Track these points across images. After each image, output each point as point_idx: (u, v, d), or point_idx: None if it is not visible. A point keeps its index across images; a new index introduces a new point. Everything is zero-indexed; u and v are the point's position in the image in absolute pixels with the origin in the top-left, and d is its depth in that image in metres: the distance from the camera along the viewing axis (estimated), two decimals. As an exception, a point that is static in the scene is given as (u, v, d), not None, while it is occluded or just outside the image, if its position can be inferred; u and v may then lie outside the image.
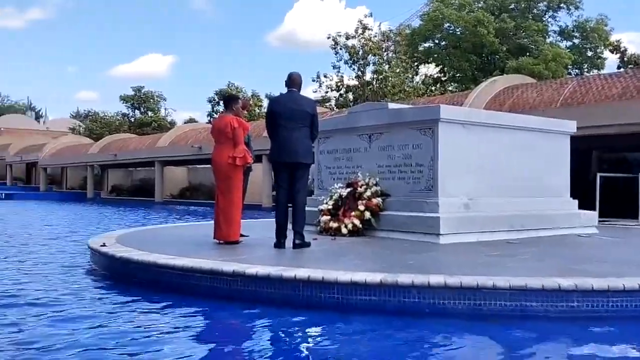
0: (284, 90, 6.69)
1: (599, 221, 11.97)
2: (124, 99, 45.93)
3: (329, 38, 28.55)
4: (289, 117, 6.47)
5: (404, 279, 4.68)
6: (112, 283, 6.01)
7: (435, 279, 4.63)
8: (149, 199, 31.05)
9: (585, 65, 42.77)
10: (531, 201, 8.22)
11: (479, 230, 7.45)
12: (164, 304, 5.05)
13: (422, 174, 7.53)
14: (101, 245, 6.77)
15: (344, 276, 4.80)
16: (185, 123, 54.01)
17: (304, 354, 3.91)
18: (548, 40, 41.39)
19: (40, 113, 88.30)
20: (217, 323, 4.83)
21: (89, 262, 7.20)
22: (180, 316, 4.76)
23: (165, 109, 49.38)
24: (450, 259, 5.93)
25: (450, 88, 43.50)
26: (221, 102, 38.56)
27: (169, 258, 5.71)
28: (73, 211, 22.79)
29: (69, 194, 39.36)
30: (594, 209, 12.13)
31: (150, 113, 46.08)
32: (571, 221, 8.60)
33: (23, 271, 6.92)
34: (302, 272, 4.94)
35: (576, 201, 8.99)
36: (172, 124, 47.43)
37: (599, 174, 11.96)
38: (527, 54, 39.96)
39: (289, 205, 6.61)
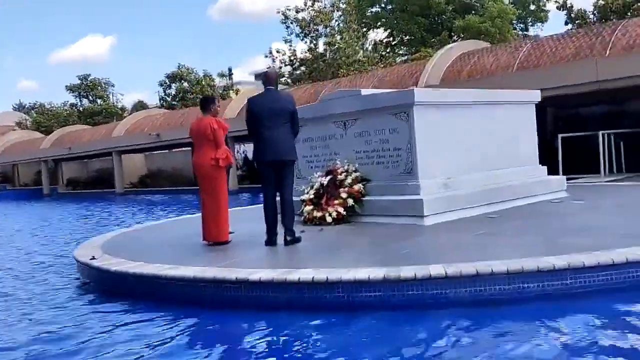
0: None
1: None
2: (71, 88, 44.59)
3: (278, 13, 28.29)
4: (270, 116, 6.52)
5: (406, 273, 4.85)
6: (109, 297, 6.00)
7: (436, 270, 4.82)
8: (109, 190, 30.54)
9: (530, 19, 43.61)
10: (505, 173, 8.51)
11: (459, 208, 7.68)
12: (167, 315, 5.12)
13: (401, 158, 7.69)
14: (91, 259, 6.73)
15: (347, 274, 4.95)
16: (134, 106, 53.06)
17: (316, 356, 4.06)
18: (492, -4, 41.92)
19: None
20: (223, 332, 4.91)
21: (77, 277, 7.13)
22: (187, 327, 4.85)
23: (114, 95, 48.22)
24: (441, 243, 6.14)
25: (400, 52, 43.82)
26: (172, 85, 38.14)
27: (169, 268, 5.73)
28: (35, 213, 22.29)
29: (24, 191, 38.31)
30: (557, 168, 12.63)
31: (99, 101, 44.92)
32: (543, 188, 8.94)
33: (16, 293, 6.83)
34: (305, 274, 5.05)
35: (545, 168, 9.34)
36: (123, 109, 46.43)
37: (559, 135, 12.37)
38: (473, 12, 40.46)
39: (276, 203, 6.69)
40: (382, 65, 29.49)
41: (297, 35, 28.16)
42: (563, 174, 12.79)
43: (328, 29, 27.94)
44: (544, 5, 41.79)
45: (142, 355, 4.23)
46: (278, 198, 6.72)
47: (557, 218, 7.18)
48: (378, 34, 43.83)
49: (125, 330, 4.86)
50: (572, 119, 17.31)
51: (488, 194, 8.12)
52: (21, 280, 7.56)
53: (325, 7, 28.40)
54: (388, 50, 41.91)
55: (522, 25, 44.39)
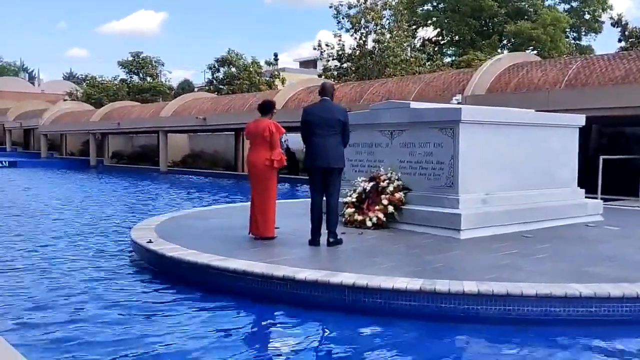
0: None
1: (602, 200, 12.62)
2: (122, 64, 45.74)
3: (331, 7, 28.57)
4: (322, 125, 6.96)
5: (441, 286, 5.25)
6: (163, 281, 6.53)
7: (469, 287, 5.20)
8: (153, 167, 31.46)
9: (583, 29, 42.97)
10: (542, 193, 8.78)
11: (495, 224, 8.01)
12: (218, 305, 5.63)
13: (443, 171, 8.04)
14: (148, 242, 7.28)
15: (387, 283, 5.37)
16: (179, 85, 54.03)
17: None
18: (546, 3, 41.45)
19: (34, 74, 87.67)
20: (265, 325, 5.37)
21: (132, 256, 7.70)
22: (233, 318, 5.35)
23: (160, 72, 49.29)
24: (474, 260, 6.48)
25: (448, 52, 43.71)
26: (221, 69, 38.82)
27: (221, 260, 6.23)
28: (86, 184, 23.22)
29: (71, 161, 39.64)
30: (596, 188, 12.73)
31: (149, 79, 45.99)
32: (579, 211, 9.18)
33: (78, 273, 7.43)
34: (347, 279, 5.49)
35: (583, 190, 9.55)
36: (171, 89, 47.42)
37: (601, 157, 12.48)
38: (525, 17, 40.08)
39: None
40: (429, 66, 29.59)
41: (347, 31, 28.44)
42: (603, 195, 12.95)
43: (378, 26, 28.11)
44: (599, 16, 41.10)
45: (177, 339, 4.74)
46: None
47: (588, 244, 7.43)
48: (427, 32, 43.92)
49: (172, 313, 5.39)
50: (618, 138, 17.28)
51: (524, 213, 8.41)
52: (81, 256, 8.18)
53: (377, 5, 28.55)
54: (436, 50, 41.93)
55: (575, 34, 43.80)
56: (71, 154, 43.77)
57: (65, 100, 49.40)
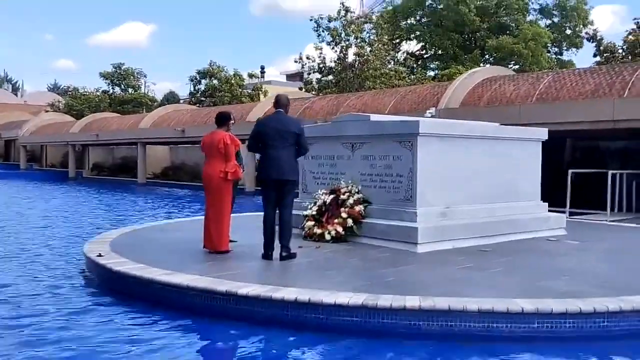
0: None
1: (571, 213, 12.63)
2: (104, 75, 45.47)
3: (311, 20, 28.63)
4: (275, 136, 6.86)
5: (383, 301, 5.14)
6: (110, 296, 6.38)
7: (411, 302, 5.10)
8: (132, 179, 31.19)
9: (564, 44, 43.39)
10: (503, 207, 8.73)
11: (454, 238, 7.94)
12: (158, 318, 5.49)
13: (402, 184, 7.97)
14: (97, 256, 7.12)
15: (329, 298, 5.26)
16: (165, 96, 53.92)
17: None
18: (528, 19, 41.85)
19: (17, 85, 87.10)
20: (204, 339, 5.24)
21: (83, 270, 7.54)
22: (171, 331, 5.22)
23: (146, 84, 49.12)
24: (426, 274, 6.39)
25: (431, 66, 43.94)
26: (202, 81, 38.72)
27: (166, 274, 6.09)
28: (58, 196, 22.94)
29: (51, 172, 39.26)
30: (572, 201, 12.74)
31: (130, 90, 45.79)
32: (541, 225, 9.14)
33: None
34: (289, 294, 5.37)
35: (546, 204, 9.52)
36: (153, 100, 47.21)
37: (570, 171, 12.50)
38: (507, 32, 40.42)
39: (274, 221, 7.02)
40: (409, 80, 29.67)
41: (328, 44, 28.50)
42: (572, 208, 12.96)
43: (358, 39, 28.18)
44: (580, 32, 41.52)
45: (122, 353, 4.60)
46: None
47: (545, 258, 7.38)
48: (411, 46, 44.13)
49: (113, 328, 5.24)
50: (591, 152, 17.35)
51: (485, 226, 8.35)
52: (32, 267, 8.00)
53: (358, 18, 28.65)
54: (419, 63, 42.10)
55: (556, 49, 44.23)
56: (52, 165, 43.36)
57: (47, 111, 49.02)
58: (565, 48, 43.65)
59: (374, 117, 8.59)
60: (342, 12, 28.20)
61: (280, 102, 7.06)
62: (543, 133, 9.45)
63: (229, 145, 7.29)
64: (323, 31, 28.39)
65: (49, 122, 42.23)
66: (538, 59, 37.81)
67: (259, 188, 7.46)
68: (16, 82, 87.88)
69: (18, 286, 6.85)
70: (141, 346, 4.83)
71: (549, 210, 9.79)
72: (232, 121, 7.83)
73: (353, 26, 27.55)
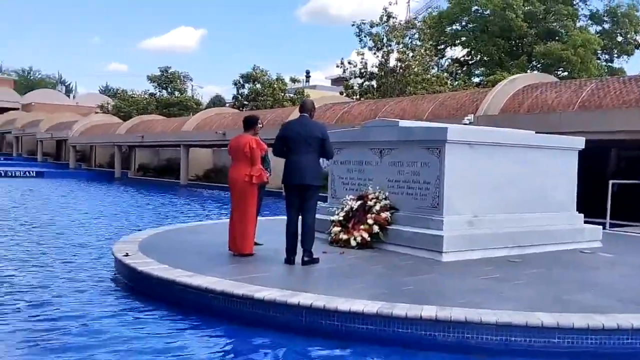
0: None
1: (612, 225, 12.23)
2: (151, 78, 46.54)
3: (353, 25, 28.62)
4: (299, 141, 6.86)
5: (399, 310, 5.07)
6: (133, 295, 6.48)
7: (427, 312, 5.01)
8: (175, 180, 31.75)
9: (615, 51, 42.18)
10: (535, 217, 8.50)
11: (482, 248, 7.78)
12: (175, 321, 5.55)
13: (429, 191, 7.86)
14: (124, 255, 7.26)
15: (344, 305, 5.21)
16: (211, 99, 54.86)
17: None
18: (578, 25, 40.84)
19: (70, 87, 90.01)
20: (217, 345, 5.22)
21: (114, 271, 7.68)
22: (192, 334, 5.26)
23: (192, 87, 50.05)
24: (448, 284, 6.28)
25: (476, 72, 43.32)
26: (246, 85, 39.15)
27: (187, 276, 6.15)
28: (101, 195, 23.52)
29: (98, 172, 40.32)
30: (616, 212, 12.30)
31: (176, 93, 46.69)
32: (575, 236, 8.87)
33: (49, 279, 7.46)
34: (305, 299, 5.35)
35: (581, 215, 9.23)
36: (198, 103, 48.01)
37: (611, 182, 12.10)
38: (556, 38, 39.53)
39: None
40: (450, 86, 29.31)
41: (370, 49, 28.41)
42: (614, 220, 12.53)
43: (401, 45, 28.02)
44: (632, 38, 40.29)
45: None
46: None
47: (575, 270, 7.17)
48: (456, 52, 43.60)
49: (133, 328, 5.32)
50: (638, 162, 16.77)
51: (515, 236, 8.16)
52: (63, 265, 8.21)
53: (400, 23, 28.48)
54: (464, 69, 41.54)
55: (607, 57, 43.04)
56: (100, 165, 44.50)
57: (96, 112, 50.42)
58: (616, 55, 42.43)
59: (403, 123, 8.50)
60: (385, 18, 28.09)
61: (305, 107, 7.08)
62: (580, 142, 9.17)
63: (255, 149, 7.33)
64: (365, 36, 28.35)
65: (97, 123, 43.41)
66: (587, 66, 36.85)
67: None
68: (70, 84, 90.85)
69: (49, 285, 7.03)
70: (153, 344, 4.90)
71: (587, 222, 9.51)
72: (260, 125, 7.88)
73: (395, 32, 27.39)
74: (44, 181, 31.80)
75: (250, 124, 7.68)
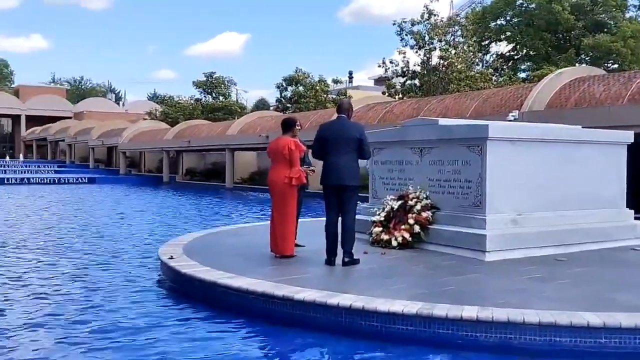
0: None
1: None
2: (197, 84, 47.42)
3: (394, 24, 28.47)
4: (336, 142, 6.87)
5: (439, 311, 5.01)
6: (178, 297, 6.61)
7: (468, 312, 4.94)
8: (221, 183, 32.22)
9: (669, 41, 40.68)
10: (583, 214, 8.28)
11: (527, 247, 7.61)
12: (217, 322, 5.63)
13: (471, 190, 7.75)
14: (169, 258, 7.40)
15: (383, 305, 5.19)
16: (256, 103, 55.50)
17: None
18: (627, 16, 39.59)
19: (120, 95, 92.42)
20: (257, 346, 5.28)
21: (159, 273, 7.84)
22: (231, 336, 5.32)
23: (237, 91, 50.72)
24: (490, 283, 6.18)
25: (522, 67, 42.44)
26: (289, 88, 39.42)
27: (228, 277, 6.23)
28: (149, 200, 24.04)
29: (147, 177, 41.27)
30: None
31: (221, 98, 47.40)
32: (626, 233, 8.59)
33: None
34: (344, 300, 5.35)
35: (632, 212, 8.94)
36: (243, 107, 48.60)
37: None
38: (605, 30, 38.41)
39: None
40: (495, 82, 28.83)
41: (412, 48, 28.20)
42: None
43: (443, 42, 27.72)
44: (686, 27, 38.76)
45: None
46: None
47: (624, 268, 6.95)
48: (501, 47, 42.84)
49: (168, 328, 5.43)
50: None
51: (561, 234, 7.96)
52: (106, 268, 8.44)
53: (442, 21, 28.17)
54: (510, 65, 40.75)
55: (659, 47, 41.54)
56: (149, 171, 45.57)
57: (145, 119, 51.64)
58: (669, 46, 40.88)
59: (442, 122, 8.41)
60: (426, 16, 27.84)
61: (342, 107, 7.08)
62: (628, 136, 8.88)
63: (294, 151, 7.37)
64: (406, 35, 28.16)
65: (145, 130, 44.42)
66: (639, 57, 35.68)
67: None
68: (119, 92, 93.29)
69: (101, 284, 7.25)
70: (187, 344, 5.00)
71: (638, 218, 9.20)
72: (299, 127, 7.92)
73: (437, 29, 27.12)
74: (96, 187, 32.75)
75: (288, 126, 7.73)
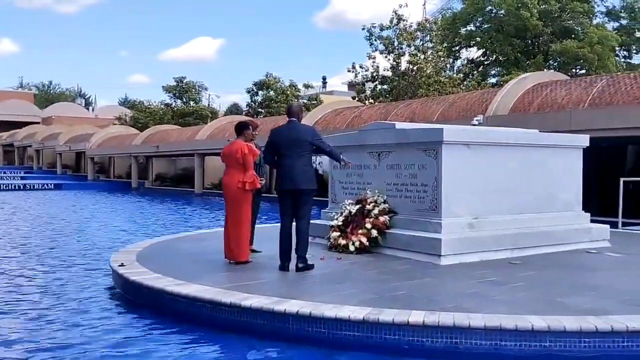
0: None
1: (625, 224, 11.92)
2: (167, 89, 46.95)
3: (363, 29, 28.54)
4: (288, 146, 6.79)
5: (386, 316, 4.94)
6: (125, 305, 6.45)
7: (414, 318, 4.88)
8: (190, 189, 31.89)
9: (634, 47, 41.55)
10: (538, 217, 8.31)
11: (482, 250, 7.61)
12: (164, 330, 5.49)
13: (427, 194, 7.72)
14: (119, 265, 7.23)
15: (331, 311, 5.10)
16: (229, 108, 55.12)
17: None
18: (594, 22, 40.28)
19: (90, 100, 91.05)
20: (203, 354, 5.13)
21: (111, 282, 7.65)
22: (179, 344, 5.19)
23: (209, 96, 50.37)
24: (441, 288, 6.14)
25: (492, 72, 42.89)
26: (259, 93, 39.28)
27: (176, 284, 6.10)
28: (113, 206, 23.66)
29: (116, 183, 40.66)
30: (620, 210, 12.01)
31: (192, 103, 47.00)
32: (581, 236, 8.65)
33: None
34: (292, 306, 5.25)
35: (588, 215, 9.00)
36: (214, 113, 48.25)
37: (622, 179, 11.81)
38: (572, 36, 39.02)
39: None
40: (463, 87, 29.05)
41: (381, 53, 28.30)
42: (628, 219, 12.22)
43: (412, 47, 27.86)
44: (651, 34, 39.63)
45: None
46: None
47: (577, 271, 6.97)
48: (471, 53, 43.22)
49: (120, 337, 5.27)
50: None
51: (517, 238, 7.98)
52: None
53: (410, 26, 28.33)
54: (479, 70, 41.15)
55: (625, 53, 42.38)
56: (119, 176, 44.86)
57: (114, 124, 50.94)
58: (635, 51, 41.80)
59: (399, 125, 8.38)
60: (395, 21, 27.96)
61: (291, 111, 6.99)
62: (583, 140, 8.95)
63: (247, 155, 7.26)
64: (375, 40, 28.24)
65: (114, 135, 43.80)
66: (605, 63, 36.29)
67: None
68: (89, 97, 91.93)
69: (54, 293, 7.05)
70: (130, 352, 4.85)
71: (601, 221, 9.27)
72: (256, 132, 7.83)
73: (406, 34, 27.25)
74: (61, 193, 32.14)
75: (241, 129, 7.62)
